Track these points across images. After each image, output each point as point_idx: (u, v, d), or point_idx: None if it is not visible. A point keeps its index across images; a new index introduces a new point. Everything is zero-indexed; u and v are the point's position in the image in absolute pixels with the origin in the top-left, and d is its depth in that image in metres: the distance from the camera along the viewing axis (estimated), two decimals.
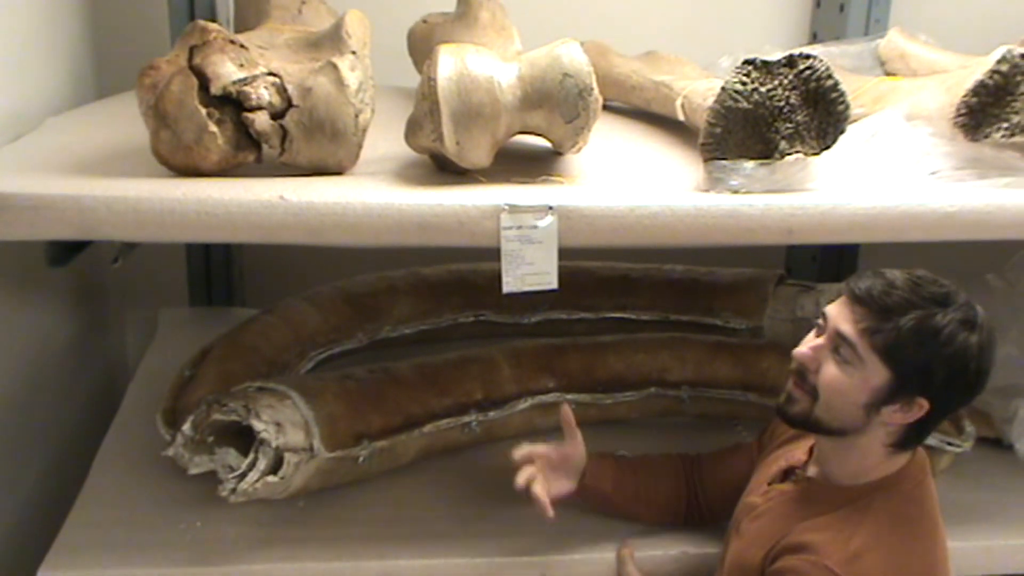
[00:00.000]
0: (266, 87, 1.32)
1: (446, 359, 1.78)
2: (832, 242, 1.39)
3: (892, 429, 1.28)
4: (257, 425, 1.45)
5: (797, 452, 1.43)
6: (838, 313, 1.28)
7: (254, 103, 1.31)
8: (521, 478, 1.49)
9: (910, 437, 1.29)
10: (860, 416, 1.27)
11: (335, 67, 1.34)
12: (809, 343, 1.32)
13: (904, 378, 1.23)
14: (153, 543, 1.49)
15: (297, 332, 1.86)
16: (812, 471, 1.39)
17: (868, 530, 1.26)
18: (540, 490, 1.47)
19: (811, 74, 1.33)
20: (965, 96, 1.41)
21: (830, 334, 1.28)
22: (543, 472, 1.52)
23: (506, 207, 1.29)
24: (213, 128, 1.29)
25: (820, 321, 1.32)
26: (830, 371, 1.28)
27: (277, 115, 1.33)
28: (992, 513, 1.68)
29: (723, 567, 1.42)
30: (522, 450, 1.52)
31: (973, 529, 1.63)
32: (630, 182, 1.42)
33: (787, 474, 1.42)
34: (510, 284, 1.33)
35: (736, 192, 1.33)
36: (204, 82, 1.29)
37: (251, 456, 1.45)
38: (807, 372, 1.31)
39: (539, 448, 1.54)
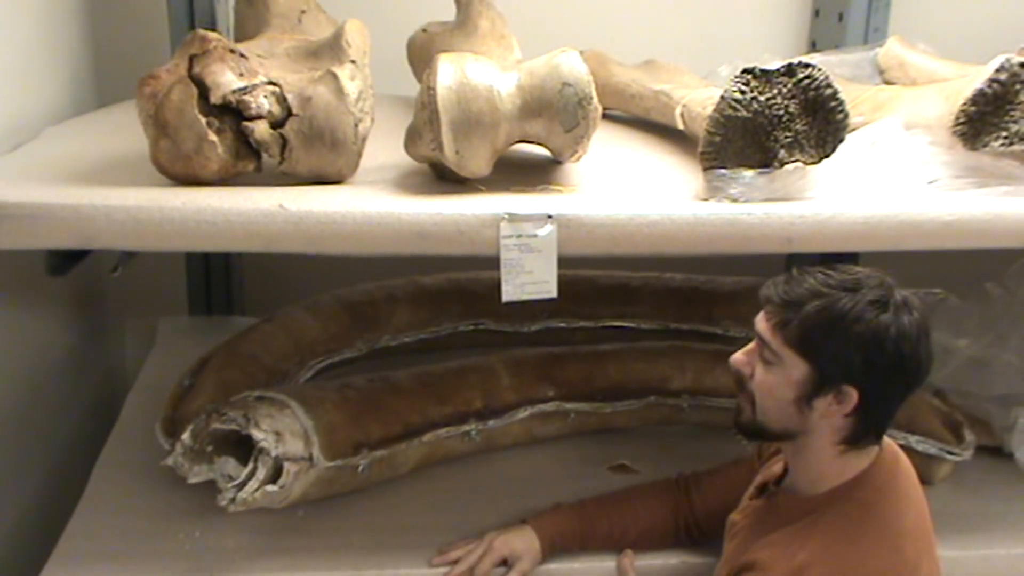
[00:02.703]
0: (266, 96, 1.32)
1: (445, 368, 1.78)
2: (831, 251, 1.39)
3: (835, 424, 1.26)
4: (256, 434, 1.44)
5: (776, 466, 1.43)
6: (758, 317, 1.29)
7: (254, 112, 1.31)
8: None
9: (857, 432, 1.27)
10: (794, 414, 1.26)
11: (335, 76, 1.34)
12: (743, 349, 1.32)
13: (822, 368, 1.23)
14: (152, 553, 1.49)
15: (296, 341, 1.85)
16: (784, 484, 1.38)
17: (816, 543, 1.24)
18: None
19: (810, 83, 1.33)
20: (964, 105, 1.41)
21: (756, 338, 1.29)
22: None
23: (505, 216, 1.29)
24: (213, 137, 1.29)
25: None
26: (759, 373, 1.29)
27: (277, 124, 1.33)
28: (992, 522, 1.68)
29: None
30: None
31: (973, 538, 1.62)
32: (629, 191, 1.42)
33: (763, 489, 1.42)
34: (509, 293, 1.33)
35: (735, 201, 1.34)
36: (204, 91, 1.30)
37: (250, 465, 1.45)
38: (744, 379, 1.31)
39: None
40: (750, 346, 1.31)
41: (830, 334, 1.21)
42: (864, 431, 1.27)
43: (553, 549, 1.53)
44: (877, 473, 1.30)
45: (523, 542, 1.51)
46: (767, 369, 1.27)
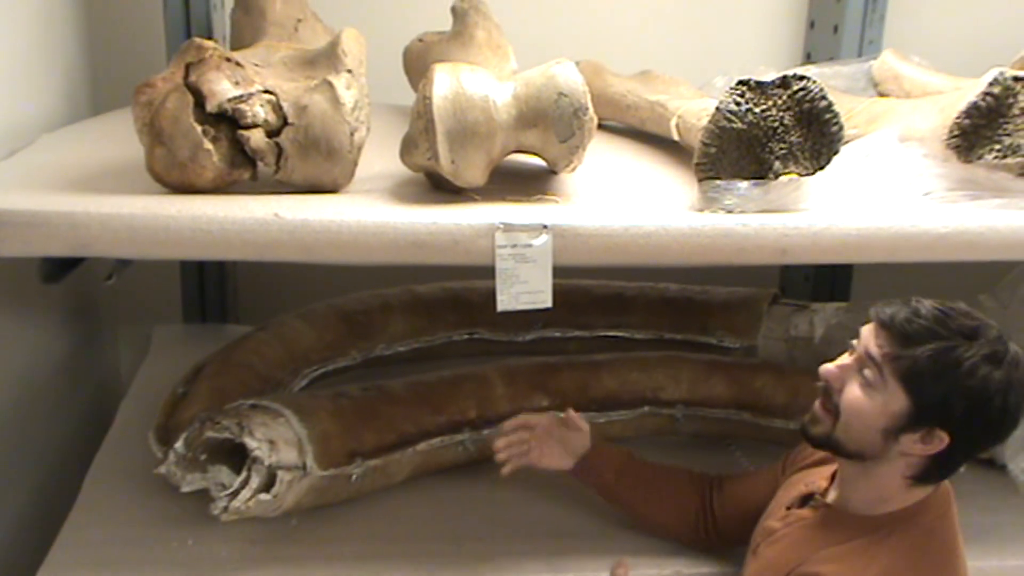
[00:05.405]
0: (262, 105, 1.33)
1: (440, 377, 1.78)
2: (825, 262, 1.40)
3: (912, 461, 1.26)
4: (250, 443, 1.44)
5: (818, 477, 1.42)
6: (868, 335, 1.27)
7: (249, 121, 1.31)
8: (503, 454, 1.55)
9: (930, 472, 1.27)
10: (878, 441, 1.25)
11: (331, 85, 1.34)
12: (837, 362, 1.31)
13: (923, 407, 1.22)
14: (145, 561, 1.49)
15: (291, 349, 1.85)
16: (831, 497, 1.37)
17: (884, 562, 1.25)
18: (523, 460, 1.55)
19: (805, 95, 1.33)
20: (958, 118, 1.41)
21: (859, 354, 1.27)
22: (539, 440, 1.58)
23: (501, 226, 1.29)
24: (208, 145, 1.29)
25: (854, 342, 1.30)
26: (853, 391, 1.26)
27: (272, 133, 1.33)
28: (985, 534, 1.67)
29: None
30: (515, 420, 1.55)
31: (966, 550, 1.62)
32: (624, 201, 1.43)
33: (806, 499, 1.40)
34: (504, 302, 1.33)
35: (730, 212, 1.34)
36: (200, 99, 1.30)
37: (244, 474, 1.45)
38: (832, 391, 1.29)
39: (534, 418, 1.59)
40: (846, 360, 1.29)
41: (941, 379, 1.20)
42: (937, 473, 1.28)
43: (592, 460, 1.60)
44: (938, 501, 1.32)
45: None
46: (864, 390, 1.25)
